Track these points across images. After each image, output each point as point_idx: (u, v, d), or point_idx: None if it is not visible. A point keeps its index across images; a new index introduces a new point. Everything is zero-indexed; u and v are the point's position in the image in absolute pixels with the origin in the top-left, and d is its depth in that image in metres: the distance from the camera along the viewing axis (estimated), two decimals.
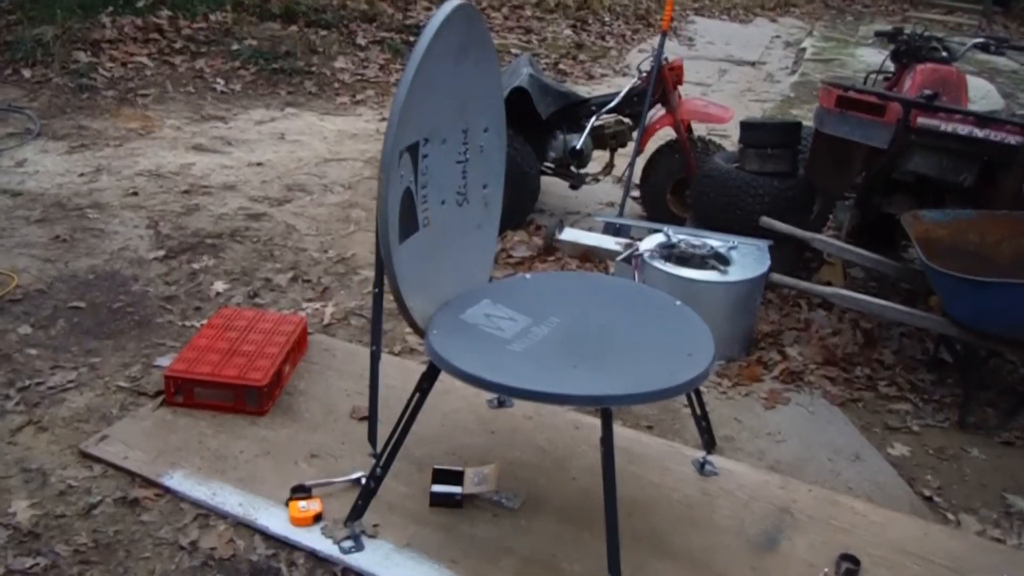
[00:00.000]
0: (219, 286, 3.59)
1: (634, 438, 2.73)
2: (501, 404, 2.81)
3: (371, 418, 2.46)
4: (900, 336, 3.49)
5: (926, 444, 2.88)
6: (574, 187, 4.61)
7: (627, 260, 3.42)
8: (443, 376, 2.09)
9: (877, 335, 3.46)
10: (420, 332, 2.15)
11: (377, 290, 2.26)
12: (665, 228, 3.48)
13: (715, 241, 3.40)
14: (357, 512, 2.23)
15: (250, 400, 2.70)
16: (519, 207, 4.22)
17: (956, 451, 2.85)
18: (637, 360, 2.07)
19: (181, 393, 2.71)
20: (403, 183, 2.03)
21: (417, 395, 2.16)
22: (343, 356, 3.09)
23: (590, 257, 4.05)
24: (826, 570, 2.23)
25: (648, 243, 3.43)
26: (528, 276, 2.53)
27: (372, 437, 2.47)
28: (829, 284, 3.93)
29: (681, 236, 3.42)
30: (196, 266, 3.76)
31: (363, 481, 2.33)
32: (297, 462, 2.52)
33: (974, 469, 2.77)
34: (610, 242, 4.07)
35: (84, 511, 2.30)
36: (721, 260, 3.29)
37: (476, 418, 2.78)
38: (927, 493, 2.64)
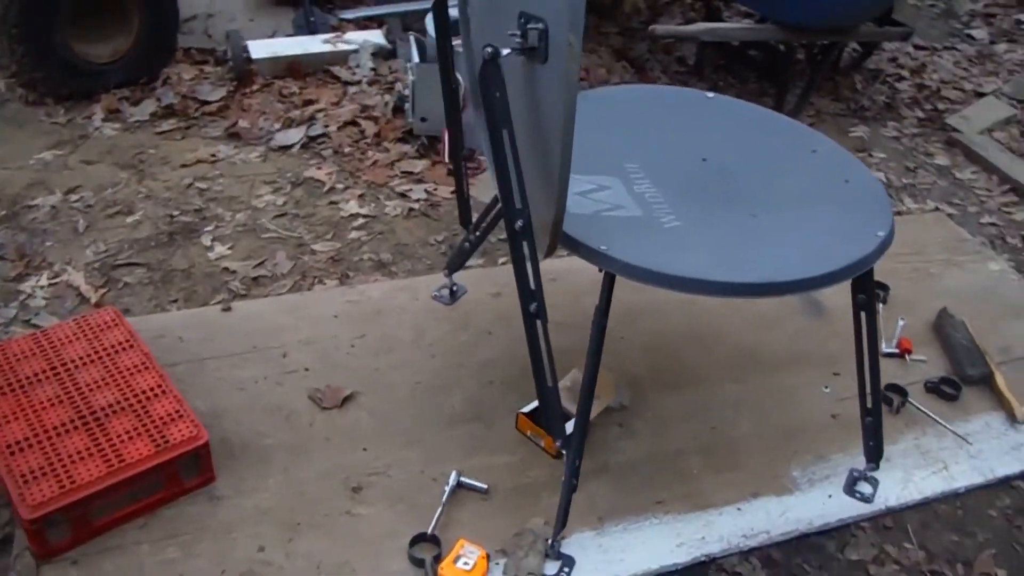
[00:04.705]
0: None
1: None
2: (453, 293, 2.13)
3: (545, 403, 1.50)
4: (648, 52, 3.39)
5: None
6: None
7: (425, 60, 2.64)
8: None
9: (642, 63, 3.32)
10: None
11: (522, 222, 1.33)
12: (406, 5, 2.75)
13: None
14: (562, 521, 1.54)
15: (188, 471, 1.60)
16: (157, 38, 2.94)
17: None
18: (803, 191, 1.56)
19: (65, 525, 1.48)
20: None
21: (595, 332, 1.46)
22: (192, 333, 1.98)
23: (297, 71, 3.08)
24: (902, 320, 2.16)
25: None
26: None
27: (554, 427, 1.54)
28: None
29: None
30: None
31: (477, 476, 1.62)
32: (350, 511, 1.62)
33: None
34: (315, 43, 3.14)
35: None
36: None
37: (457, 312, 2.09)
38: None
